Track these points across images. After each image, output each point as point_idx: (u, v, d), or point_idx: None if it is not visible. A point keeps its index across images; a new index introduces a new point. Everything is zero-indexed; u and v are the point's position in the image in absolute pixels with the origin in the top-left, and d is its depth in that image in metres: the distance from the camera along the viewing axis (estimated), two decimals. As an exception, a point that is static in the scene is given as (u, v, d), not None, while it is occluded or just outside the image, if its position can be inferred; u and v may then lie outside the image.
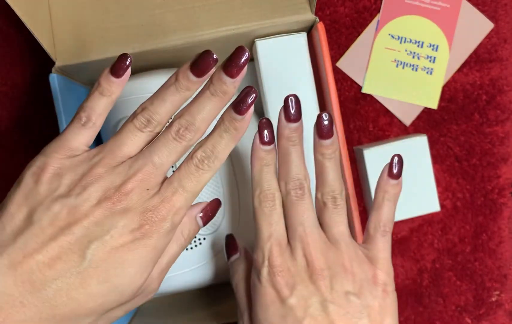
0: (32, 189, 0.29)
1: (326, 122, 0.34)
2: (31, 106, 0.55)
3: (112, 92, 0.32)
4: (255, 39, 0.47)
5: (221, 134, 0.32)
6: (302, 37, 0.47)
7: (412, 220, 0.56)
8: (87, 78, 0.50)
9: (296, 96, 0.35)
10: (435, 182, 0.53)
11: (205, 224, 0.35)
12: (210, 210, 0.35)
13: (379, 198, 0.36)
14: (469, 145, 0.56)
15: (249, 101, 0.32)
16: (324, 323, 0.32)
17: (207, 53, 0.31)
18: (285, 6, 0.45)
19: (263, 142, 0.35)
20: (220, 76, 0.31)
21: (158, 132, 0.32)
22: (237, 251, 0.40)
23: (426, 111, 0.56)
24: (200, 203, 0.35)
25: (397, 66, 0.56)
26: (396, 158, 0.36)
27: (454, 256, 0.56)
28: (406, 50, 0.56)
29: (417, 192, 0.52)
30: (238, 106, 0.31)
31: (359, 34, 0.56)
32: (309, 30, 0.48)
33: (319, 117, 0.35)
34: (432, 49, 0.56)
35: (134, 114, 0.32)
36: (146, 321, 0.50)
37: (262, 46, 0.47)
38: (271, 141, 0.35)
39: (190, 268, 0.47)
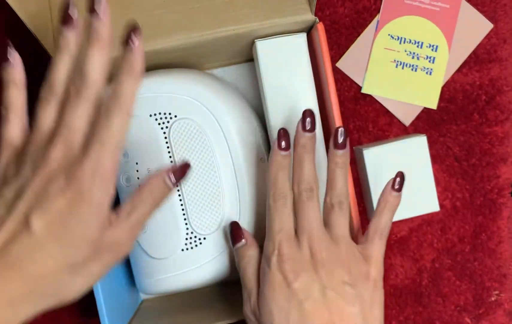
0: None
1: (342, 136, 0.40)
2: (31, 107, 0.55)
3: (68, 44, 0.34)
4: (255, 40, 0.47)
5: (119, 79, 0.34)
6: (302, 37, 0.47)
7: (411, 219, 0.57)
8: (87, 79, 0.50)
9: (312, 111, 0.40)
10: (435, 182, 0.53)
11: (175, 184, 0.36)
12: (180, 169, 0.37)
13: (381, 206, 0.42)
14: (468, 145, 0.56)
15: (136, 35, 0.34)
16: (322, 305, 0.37)
17: (67, 3, 0.34)
18: (285, 6, 0.45)
19: (280, 148, 0.40)
20: (91, 22, 0.33)
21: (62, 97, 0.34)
22: (242, 237, 0.44)
23: (426, 111, 0.56)
24: (169, 165, 0.37)
25: (396, 66, 0.56)
26: (399, 174, 0.42)
27: (453, 256, 0.57)
28: (405, 51, 0.56)
29: (416, 192, 0.52)
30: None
31: (358, 35, 0.56)
32: (309, 31, 0.48)
33: (337, 130, 0.40)
34: (432, 50, 0.56)
35: (40, 92, 0.35)
36: (146, 321, 0.50)
37: (262, 47, 0.47)
38: (287, 148, 0.40)
39: (190, 268, 0.47)
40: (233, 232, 0.45)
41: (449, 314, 0.57)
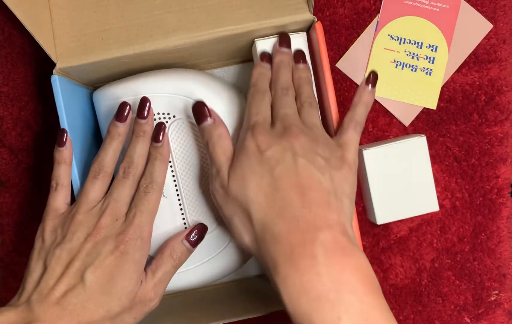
0: (40, 246, 0.41)
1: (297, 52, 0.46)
2: (32, 106, 0.55)
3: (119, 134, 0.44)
4: (255, 39, 0.47)
5: (152, 163, 0.44)
6: (302, 37, 0.47)
7: (411, 219, 0.57)
8: (88, 80, 0.50)
9: (286, 34, 0.46)
10: (434, 182, 0.53)
11: (193, 245, 0.45)
12: (197, 233, 0.45)
13: (355, 100, 0.44)
14: (468, 145, 0.56)
15: (162, 132, 0.44)
16: (292, 170, 0.38)
17: (123, 104, 0.44)
18: (283, 6, 0.45)
19: (262, 60, 0.45)
20: (137, 121, 0.44)
21: (111, 176, 0.44)
22: (208, 116, 0.44)
23: (425, 111, 0.56)
24: (188, 229, 0.45)
25: (396, 67, 0.56)
26: (373, 72, 0.45)
27: (453, 256, 0.57)
28: (405, 51, 0.56)
29: (416, 191, 0.52)
30: (156, 137, 0.44)
31: (358, 35, 0.56)
32: (308, 30, 0.48)
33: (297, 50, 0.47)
34: (431, 50, 0.56)
35: (90, 168, 0.43)
36: (146, 321, 0.51)
37: (262, 46, 0.47)
38: (268, 61, 0.45)
39: (189, 267, 0.48)
40: (199, 110, 0.44)
41: (448, 314, 0.57)
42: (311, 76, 0.45)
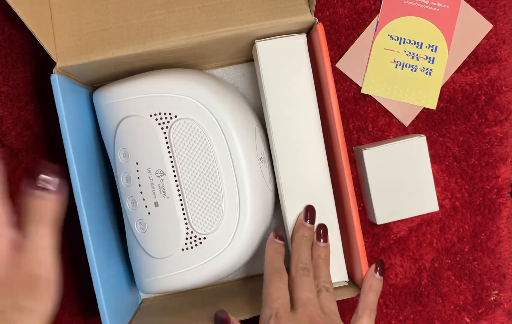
0: None
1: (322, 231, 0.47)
2: (32, 106, 0.55)
3: None
4: (255, 40, 0.47)
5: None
6: (302, 38, 0.47)
7: (411, 219, 0.57)
8: (88, 79, 0.50)
9: (313, 207, 0.47)
10: (434, 182, 0.53)
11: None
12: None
13: (366, 288, 0.45)
14: (467, 145, 0.56)
15: None
16: None
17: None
18: (284, 7, 0.45)
19: (276, 237, 0.46)
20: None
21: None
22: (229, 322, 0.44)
23: (425, 111, 0.57)
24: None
25: (396, 67, 0.56)
26: (380, 262, 0.46)
27: (453, 256, 0.57)
28: (405, 51, 0.56)
29: (416, 191, 0.53)
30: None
31: (358, 35, 0.56)
32: (309, 31, 0.48)
33: (319, 227, 0.47)
34: (431, 50, 0.56)
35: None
36: (146, 320, 0.51)
37: (262, 47, 0.47)
38: (281, 239, 0.46)
39: (190, 267, 0.48)
40: (219, 321, 0.44)
41: (448, 314, 0.57)
42: (330, 254, 0.47)
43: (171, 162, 0.47)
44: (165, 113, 0.46)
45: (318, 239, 0.46)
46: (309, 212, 0.47)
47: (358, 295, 0.46)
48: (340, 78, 0.56)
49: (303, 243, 0.46)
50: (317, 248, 0.46)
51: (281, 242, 0.46)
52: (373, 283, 0.45)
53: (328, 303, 0.43)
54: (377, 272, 0.45)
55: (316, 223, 0.47)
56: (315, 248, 0.46)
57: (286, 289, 0.43)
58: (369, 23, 0.56)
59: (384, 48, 0.56)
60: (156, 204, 0.47)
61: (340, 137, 0.46)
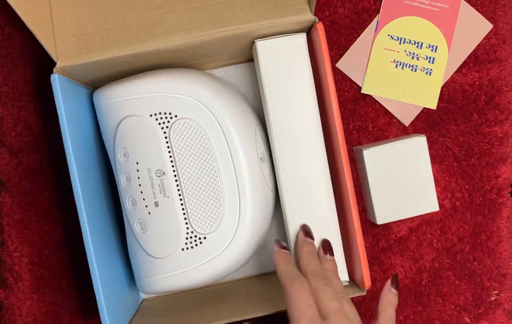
0: None
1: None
2: (32, 106, 0.55)
3: None
4: (255, 40, 0.47)
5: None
6: (302, 37, 0.47)
7: (411, 219, 0.57)
8: (88, 79, 0.50)
9: (307, 225, 0.48)
10: (434, 182, 0.53)
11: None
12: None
13: (384, 303, 0.46)
14: (468, 145, 0.56)
15: None
16: None
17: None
18: (284, 6, 0.45)
19: (281, 247, 0.46)
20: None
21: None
22: None
23: (425, 111, 0.57)
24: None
25: (396, 66, 0.56)
26: (395, 277, 0.46)
27: (453, 256, 0.57)
28: (405, 51, 0.56)
29: (416, 191, 0.53)
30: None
31: (358, 35, 0.56)
32: (309, 31, 0.48)
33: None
34: (431, 50, 0.56)
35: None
36: (146, 320, 0.51)
37: (262, 47, 0.47)
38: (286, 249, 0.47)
39: (190, 267, 0.48)
40: None
41: (448, 314, 0.57)
42: (336, 271, 0.47)
43: (171, 161, 0.47)
44: (165, 113, 0.46)
45: (325, 253, 0.47)
46: (306, 230, 0.48)
47: (358, 295, 0.46)
48: (340, 78, 0.56)
49: (312, 256, 0.46)
50: (326, 261, 0.47)
51: (288, 251, 0.46)
52: (391, 297, 0.46)
53: (353, 313, 0.43)
54: (393, 287, 0.46)
55: (316, 223, 0.47)
56: (323, 262, 0.47)
57: (312, 296, 0.43)
58: (369, 23, 0.56)
59: (384, 48, 0.56)
60: (156, 204, 0.47)
61: (340, 137, 0.46)
